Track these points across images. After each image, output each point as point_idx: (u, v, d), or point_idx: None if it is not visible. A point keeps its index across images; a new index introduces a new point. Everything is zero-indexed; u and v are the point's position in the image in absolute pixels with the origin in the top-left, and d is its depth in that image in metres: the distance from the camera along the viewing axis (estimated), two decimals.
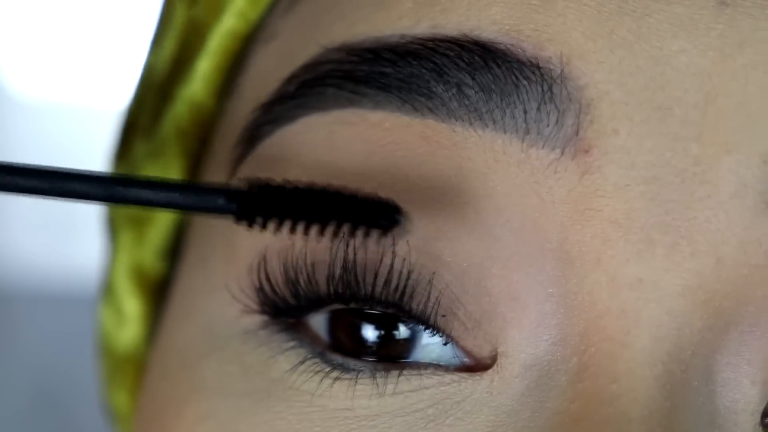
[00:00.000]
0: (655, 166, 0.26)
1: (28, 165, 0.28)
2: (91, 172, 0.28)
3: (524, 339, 0.26)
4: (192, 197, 0.27)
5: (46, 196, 0.28)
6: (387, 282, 0.27)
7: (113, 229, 0.38)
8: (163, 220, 0.35)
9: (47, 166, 0.28)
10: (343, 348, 0.28)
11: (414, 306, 0.27)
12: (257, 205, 0.27)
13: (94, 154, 1.80)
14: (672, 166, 0.25)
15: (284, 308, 0.28)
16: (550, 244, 0.26)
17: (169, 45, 0.33)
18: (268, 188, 0.27)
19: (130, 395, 0.39)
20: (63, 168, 0.28)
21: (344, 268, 0.28)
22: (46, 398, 1.58)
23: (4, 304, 1.59)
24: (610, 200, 0.26)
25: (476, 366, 0.27)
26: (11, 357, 1.59)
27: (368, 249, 0.27)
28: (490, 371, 0.27)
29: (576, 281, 0.26)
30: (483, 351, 0.27)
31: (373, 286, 0.27)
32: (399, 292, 0.27)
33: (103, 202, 0.28)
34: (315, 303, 0.28)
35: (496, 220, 0.26)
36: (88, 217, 1.71)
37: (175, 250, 0.35)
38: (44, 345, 1.60)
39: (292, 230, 0.27)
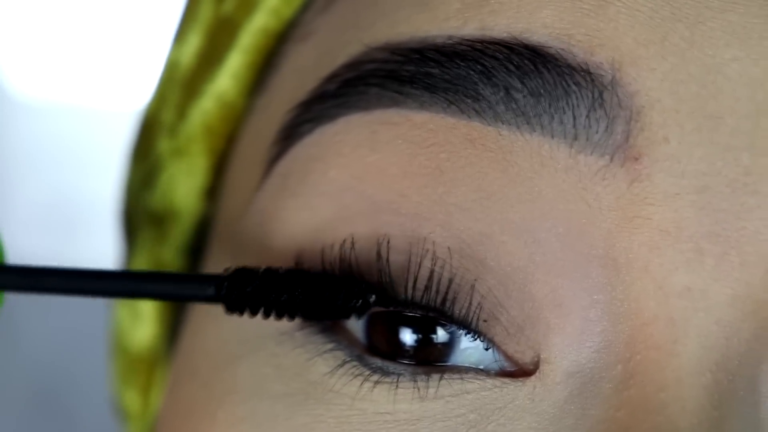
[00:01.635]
0: (705, 175, 0.25)
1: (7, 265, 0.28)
2: (71, 269, 0.28)
3: (567, 345, 0.26)
4: (177, 287, 0.28)
5: (20, 292, 0.28)
6: (428, 287, 0.27)
7: (131, 227, 0.37)
8: (186, 218, 0.35)
9: (21, 266, 0.28)
10: (379, 351, 0.28)
11: (456, 311, 0.27)
12: (240, 294, 0.27)
13: (95, 155, 1.80)
14: (723, 176, 0.25)
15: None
16: (596, 251, 0.26)
17: (195, 40, 0.33)
18: (248, 274, 0.27)
19: (142, 394, 0.39)
20: (38, 266, 0.28)
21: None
22: (47, 398, 1.58)
23: (4, 304, 1.59)
24: (659, 208, 0.26)
25: (517, 372, 0.27)
26: (11, 357, 1.59)
27: (411, 252, 0.27)
28: (532, 378, 0.26)
29: (622, 288, 0.26)
30: (525, 357, 0.27)
31: (414, 290, 0.27)
32: (441, 297, 0.27)
33: (85, 296, 0.28)
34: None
35: (541, 225, 0.26)
36: (88, 217, 1.71)
37: (196, 248, 0.35)
38: (44, 345, 1.60)
39: (272, 315, 0.28)
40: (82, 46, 1.68)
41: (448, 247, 0.27)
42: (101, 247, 1.41)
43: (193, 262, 0.35)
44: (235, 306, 0.28)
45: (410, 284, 0.27)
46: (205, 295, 0.27)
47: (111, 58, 1.67)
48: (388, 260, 0.27)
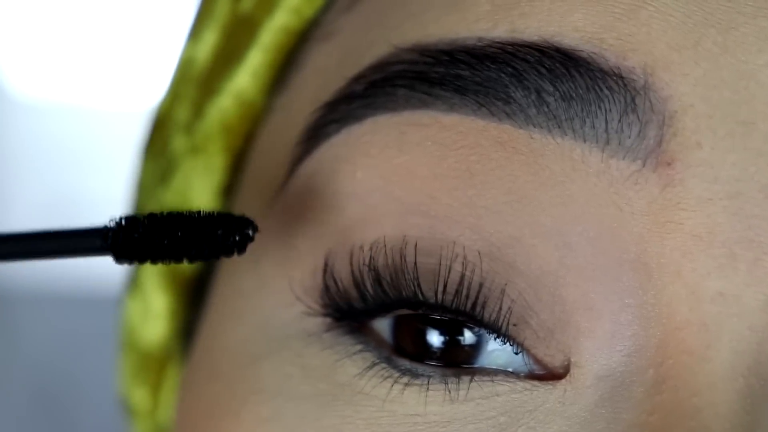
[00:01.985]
0: (738, 181, 0.25)
1: None
2: None
3: (598, 349, 0.26)
4: (68, 243, 0.28)
5: None
6: (458, 291, 0.27)
7: None
8: None
9: None
10: (406, 352, 0.28)
11: (486, 315, 0.27)
12: (129, 242, 0.27)
13: (95, 155, 1.80)
14: (755, 182, 0.25)
15: (349, 311, 0.28)
16: (628, 255, 0.26)
17: (211, 38, 0.33)
18: (132, 222, 0.27)
19: (152, 391, 0.38)
20: None
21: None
22: (47, 398, 1.58)
23: (4, 304, 1.59)
24: (692, 213, 0.26)
25: (547, 375, 0.27)
26: (12, 357, 1.59)
27: (441, 255, 0.27)
28: (562, 381, 0.26)
29: (654, 293, 0.26)
30: (555, 360, 0.27)
31: (444, 294, 0.27)
32: (471, 302, 0.27)
33: None
34: (382, 307, 0.28)
35: (572, 229, 0.26)
36: (88, 217, 1.71)
37: None
38: (44, 345, 1.59)
39: (162, 261, 0.27)
40: (83, 46, 1.68)
41: (478, 251, 0.27)
42: None
43: (209, 262, 0.35)
44: (123, 255, 0.27)
45: (440, 288, 0.27)
46: (93, 246, 0.27)
47: (111, 58, 1.67)
48: (416, 264, 0.27)
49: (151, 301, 0.37)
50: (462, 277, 0.27)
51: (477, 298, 0.27)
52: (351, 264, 0.28)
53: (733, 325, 0.25)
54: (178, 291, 0.36)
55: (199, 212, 0.27)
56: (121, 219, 0.27)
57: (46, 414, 1.57)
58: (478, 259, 0.27)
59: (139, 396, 0.39)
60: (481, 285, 0.27)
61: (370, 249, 0.28)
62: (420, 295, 0.27)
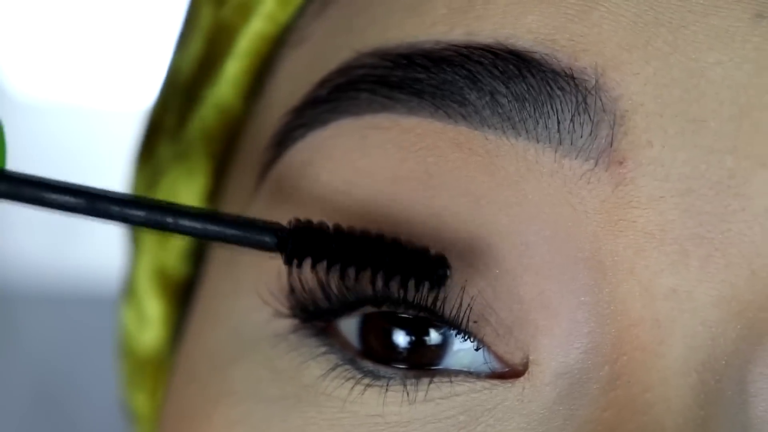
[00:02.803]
0: (689, 179, 0.26)
1: (83, 186, 0.28)
2: (140, 198, 0.28)
3: (555, 347, 0.27)
4: (238, 232, 0.27)
5: (87, 216, 0.27)
6: (418, 288, 0.27)
7: (135, 231, 0.38)
8: None
9: (93, 188, 0.27)
10: (373, 353, 0.28)
11: (447, 311, 0.27)
12: (302, 246, 0.27)
13: (95, 155, 1.80)
14: (706, 179, 0.26)
15: (315, 311, 0.28)
16: (583, 254, 0.26)
17: (195, 46, 0.34)
18: (314, 230, 0.27)
19: (150, 396, 0.39)
20: (109, 191, 0.27)
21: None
22: (46, 398, 1.58)
23: (4, 304, 1.59)
24: (644, 211, 0.26)
25: (507, 373, 0.27)
26: (11, 357, 1.59)
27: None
28: (521, 379, 0.27)
29: (609, 290, 0.26)
30: (514, 358, 0.27)
31: (405, 290, 0.27)
32: (432, 297, 0.27)
33: (147, 228, 0.28)
34: (347, 306, 0.28)
35: (528, 228, 0.27)
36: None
37: (199, 252, 0.35)
38: (44, 345, 1.60)
39: (336, 273, 0.27)
40: (83, 46, 1.68)
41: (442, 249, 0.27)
42: (101, 248, 1.41)
43: (197, 267, 0.35)
44: (295, 258, 0.27)
45: (400, 291, 0.27)
46: (264, 242, 0.27)
47: (111, 58, 1.68)
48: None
49: (145, 307, 0.37)
50: None
51: (437, 294, 0.27)
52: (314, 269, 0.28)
53: (685, 321, 0.26)
54: (170, 296, 0.36)
55: (394, 241, 0.27)
56: (300, 224, 0.28)
57: (46, 414, 1.57)
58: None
59: (139, 401, 0.39)
60: None
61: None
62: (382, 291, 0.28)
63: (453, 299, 0.27)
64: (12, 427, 1.58)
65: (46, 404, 1.58)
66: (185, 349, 0.32)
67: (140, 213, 0.27)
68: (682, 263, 0.26)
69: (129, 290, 0.38)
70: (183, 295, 0.36)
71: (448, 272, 0.27)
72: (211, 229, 0.27)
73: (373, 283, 0.27)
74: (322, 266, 0.27)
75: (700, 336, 0.26)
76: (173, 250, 0.36)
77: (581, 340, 0.26)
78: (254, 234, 0.27)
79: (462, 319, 0.27)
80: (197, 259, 0.35)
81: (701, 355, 0.26)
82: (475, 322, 0.27)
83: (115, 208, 0.27)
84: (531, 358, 0.27)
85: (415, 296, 0.27)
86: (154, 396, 0.39)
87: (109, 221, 0.27)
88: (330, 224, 0.28)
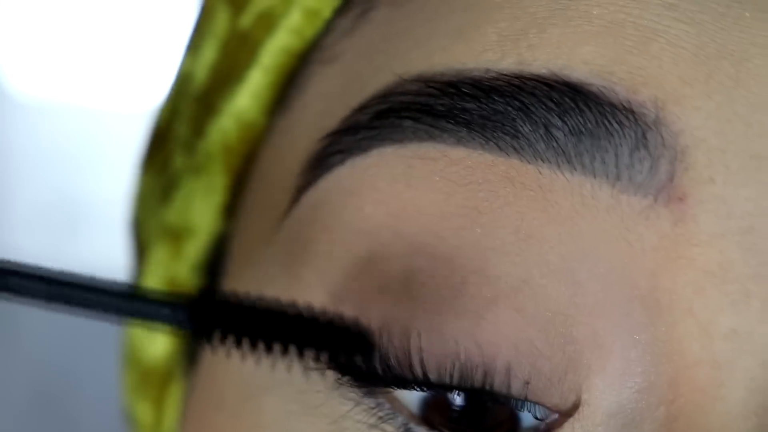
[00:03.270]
0: (752, 216, 0.25)
1: None
2: (43, 270, 0.26)
3: (608, 386, 0.26)
4: (148, 309, 0.26)
5: None
6: (461, 382, 0.26)
7: (144, 241, 0.37)
8: (203, 235, 0.34)
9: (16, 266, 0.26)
10: (429, 421, 0.27)
11: (496, 389, 0.26)
12: (209, 321, 0.26)
13: (94, 155, 1.80)
14: None
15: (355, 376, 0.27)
16: (639, 291, 0.25)
17: (210, 53, 0.33)
18: (230, 305, 0.26)
19: (154, 406, 0.38)
20: (11, 262, 0.26)
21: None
22: (47, 398, 1.58)
23: (4, 304, 1.59)
24: (704, 249, 0.25)
25: (559, 421, 0.26)
26: (11, 357, 1.59)
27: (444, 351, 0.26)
28: (570, 420, 0.26)
29: (665, 329, 0.25)
30: (568, 402, 0.26)
31: (450, 379, 0.26)
32: (479, 385, 0.26)
33: (50, 303, 0.26)
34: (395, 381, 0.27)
35: (581, 266, 0.26)
36: (88, 217, 1.71)
37: (213, 264, 0.34)
38: (44, 345, 1.59)
39: (252, 351, 0.26)
40: (83, 46, 1.68)
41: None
42: (101, 248, 1.40)
43: (210, 280, 0.34)
44: (205, 333, 0.26)
45: (442, 376, 0.26)
46: (174, 318, 0.26)
47: (111, 58, 1.67)
48: (421, 357, 0.26)
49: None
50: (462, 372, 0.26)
51: (483, 384, 0.26)
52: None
53: (746, 363, 0.25)
54: None
55: (310, 312, 0.26)
56: (209, 297, 0.27)
57: (46, 414, 1.57)
58: (477, 353, 0.26)
59: (142, 411, 0.38)
60: (485, 373, 0.26)
61: (379, 331, 0.27)
62: (419, 377, 0.26)
63: (499, 381, 0.26)
64: (12, 426, 1.57)
65: (46, 404, 1.58)
66: (208, 372, 0.31)
67: (42, 287, 0.26)
68: (743, 303, 0.25)
69: None
70: None
71: (371, 347, 0.26)
72: (122, 307, 0.26)
73: (283, 356, 0.26)
74: (231, 340, 0.26)
75: (761, 378, 0.25)
76: (186, 262, 0.35)
77: (635, 380, 0.26)
78: (164, 311, 0.26)
79: (515, 392, 0.26)
80: (211, 270, 0.34)
81: (761, 398, 0.25)
82: (528, 383, 0.26)
83: (17, 280, 0.26)
84: (583, 398, 0.26)
85: (460, 383, 0.26)
86: (158, 406, 0.38)
87: (9, 297, 0.26)
88: (243, 296, 0.26)
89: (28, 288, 0.26)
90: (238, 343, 0.26)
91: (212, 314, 0.26)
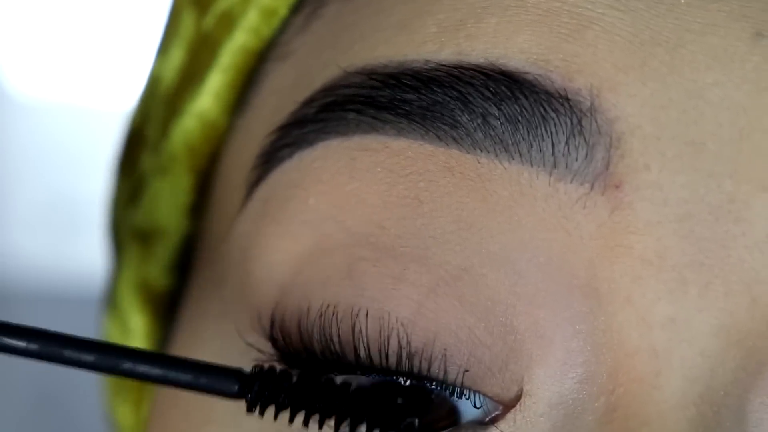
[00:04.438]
0: (688, 203, 0.25)
1: (37, 330, 0.26)
2: (96, 341, 0.27)
3: (549, 377, 0.26)
4: (200, 379, 0.26)
5: (42, 361, 0.26)
6: (398, 361, 0.26)
7: (117, 243, 0.37)
8: (171, 236, 0.34)
9: (49, 331, 0.26)
10: None
11: (434, 375, 0.26)
12: (265, 393, 0.26)
13: (94, 155, 1.80)
14: (706, 203, 0.25)
15: (301, 364, 0.27)
16: (578, 281, 0.25)
17: (177, 55, 0.33)
18: (277, 377, 0.27)
19: (134, 408, 0.38)
20: (64, 335, 0.26)
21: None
22: (47, 399, 1.58)
23: (4, 304, 1.59)
24: (641, 237, 0.25)
25: (501, 412, 0.26)
26: (12, 359, 1.59)
27: (380, 327, 0.26)
28: (512, 410, 0.26)
29: (604, 319, 0.25)
30: (510, 393, 0.26)
31: (387, 362, 0.26)
32: (417, 369, 0.26)
33: (105, 373, 0.27)
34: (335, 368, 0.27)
35: (521, 255, 0.26)
36: (88, 217, 1.71)
37: (182, 264, 0.34)
38: None
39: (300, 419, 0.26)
40: (82, 45, 1.68)
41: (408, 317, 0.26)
42: (101, 248, 1.41)
43: (181, 280, 0.34)
44: (257, 403, 0.27)
45: (383, 360, 0.26)
46: (227, 390, 0.27)
47: (111, 58, 1.67)
48: (367, 338, 0.27)
49: (128, 320, 0.36)
50: (399, 347, 0.26)
51: (420, 366, 0.26)
52: (299, 330, 0.27)
53: (684, 351, 0.25)
54: (154, 309, 0.36)
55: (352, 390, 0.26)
56: (261, 368, 0.27)
57: (45, 414, 1.57)
58: (410, 323, 0.26)
59: (122, 413, 0.39)
60: (420, 351, 0.26)
61: (320, 317, 0.27)
62: (369, 365, 0.27)
63: (437, 366, 0.26)
64: (12, 427, 1.57)
65: (46, 404, 1.58)
66: None
67: (92, 357, 0.26)
68: (681, 291, 0.25)
69: (111, 302, 0.37)
70: (167, 308, 0.35)
71: (416, 422, 0.26)
72: (170, 376, 0.26)
73: (336, 430, 0.26)
74: (286, 413, 0.26)
75: (699, 367, 0.25)
76: (157, 263, 0.35)
77: (576, 370, 0.25)
78: (216, 380, 0.26)
79: (454, 379, 0.26)
80: (181, 271, 0.34)
81: (700, 387, 0.25)
82: (467, 370, 0.26)
83: (69, 353, 0.26)
84: (525, 389, 0.26)
85: (396, 367, 0.26)
86: (138, 408, 0.38)
87: (62, 365, 0.26)
88: (294, 373, 0.27)
89: (73, 358, 0.26)
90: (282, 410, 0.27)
91: (263, 386, 0.27)
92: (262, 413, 0.26)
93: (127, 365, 0.26)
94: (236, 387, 0.26)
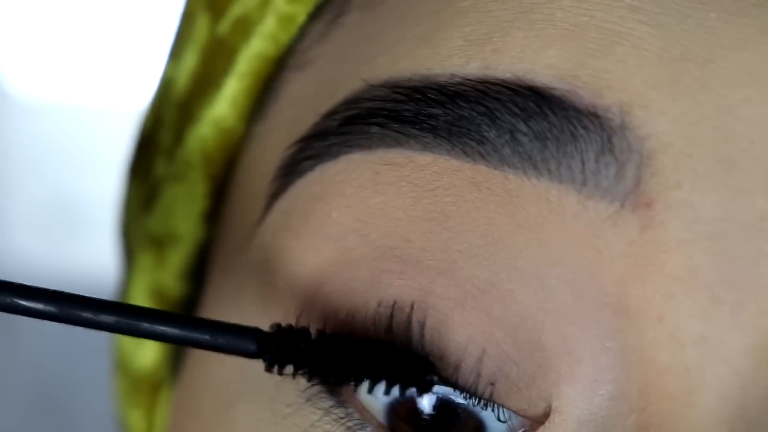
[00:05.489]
0: (720, 221, 0.25)
1: (55, 292, 0.26)
2: (114, 303, 0.26)
3: (578, 394, 0.25)
4: (217, 338, 0.26)
5: (62, 323, 0.26)
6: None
7: (130, 249, 0.37)
8: (185, 243, 0.34)
9: (64, 293, 0.26)
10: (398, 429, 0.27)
11: (461, 382, 0.26)
12: (284, 352, 0.26)
13: (94, 155, 1.80)
14: (737, 221, 0.24)
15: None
16: (608, 298, 0.25)
17: (191, 60, 0.33)
18: (296, 336, 0.26)
19: (146, 413, 0.38)
20: (81, 296, 0.26)
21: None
22: (46, 400, 1.58)
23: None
24: (673, 255, 0.25)
25: (530, 427, 0.26)
26: (11, 358, 1.59)
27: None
28: (541, 427, 0.26)
29: (635, 336, 0.25)
30: (537, 409, 0.26)
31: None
32: (450, 371, 0.26)
33: (124, 334, 0.27)
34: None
35: (550, 272, 0.25)
36: (88, 217, 1.71)
37: (198, 271, 0.34)
38: (44, 346, 1.59)
39: (319, 379, 0.26)
40: (82, 46, 1.68)
41: (452, 299, 0.26)
42: (101, 247, 1.40)
43: (195, 287, 0.34)
44: (278, 364, 0.27)
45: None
46: (246, 348, 0.26)
47: (111, 58, 1.67)
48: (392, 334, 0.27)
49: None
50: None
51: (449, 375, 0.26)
52: (323, 330, 0.27)
53: (716, 370, 0.25)
54: None
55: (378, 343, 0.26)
56: (279, 327, 0.27)
57: (45, 415, 1.57)
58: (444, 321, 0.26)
59: (135, 418, 0.38)
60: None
61: (345, 318, 0.27)
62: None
63: (469, 370, 0.26)
64: (11, 427, 1.57)
65: (45, 405, 1.58)
66: (187, 380, 0.31)
67: (113, 318, 0.26)
68: (713, 309, 0.24)
69: None
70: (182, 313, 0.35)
71: (435, 378, 0.26)
72: (189, 335, 0.26)
73: (355, 389, 0.26)
74: (304, 372, 0.26)
75: (732, 385, 0.24)
76: (171, 269, 0.35)
77: (606, 387, 0.25)
78: (234, 339, 0.26)
79: (479, 387, 0.26)
80: (195, 278, 0.34)
81: (732, 406, 0.24)
82: (492, 384, 0.26)
83: (87, 315, 0.26)
84: (553, 406, 0.25)
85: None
86: (151, 413, 0.38)
87: (81, 326, 0.26)
88: (313, 329, 0.27)
89: (92, 319, 0.26)
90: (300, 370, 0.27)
91: (282, 345, 0.26)
92: (280, 372, 0.26)
93: (146, 326, 0.26)
94: (254, 346, 0.26)
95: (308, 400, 0.27)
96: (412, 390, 0.26)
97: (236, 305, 0.30)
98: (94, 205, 1.64)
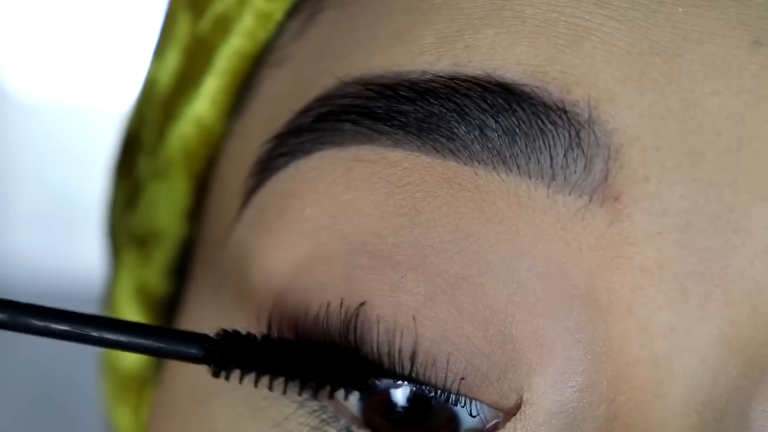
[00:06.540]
0: (687, 213, 0.25)
1: (5, 300, 0.27)
2: (63, 311, 0.27)
3: (549, 386, 0.26)
4: (164, 345, 0.27)
5: (8, 330, 0.27)
6: (400, 359, 0.26)
7: (115, 247, 0.37)
8: (168, 241, 0.34)
9: (17, 301, 0.27)
10: (373, 424, 0.27)
11: (432, 380, 0.26)
12: (229, 358, 0.27)
13: (94, 155, 1.80)
14: (705, 213, 0.25)
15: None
16: (578, 291, 0.25)
17: (173, 59, 0.33)
18: (242, 341, 0.27)
19: (133, 412, 0.38)
20: (31, 304, 0.27)
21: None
22: (46, 400, 1.58)
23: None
24: (641, 248, 0.25)
25: (501, 421, 0.26)
26: (11, 359, 1.59)
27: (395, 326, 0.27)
28: (512, 419, 0.26)
29: (604, 328, 0.25)
30: (509, 401, 0.26)
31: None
32: (412, 367, 0.26)
33: (71, 341, 0.27)
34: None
35: (520, 265, 0.26)
36: (88, 217, 1.71)
37: (181, 269, 0.34)
38: (44, 347, 1.59)
39: (264, 382, 0.27)
40: (82, 45, 1.68)
41: (422, 294, 0.26)
42: (100, 248, 1.41)
43: (179, 284, 0.34)
44: (223, 368, 0.27)
45: (390, 359, 0.27)
46: (191, 354, 0.27)
47: (111, 58, 1.67)
48: (356, 332, 0.27)
49: None
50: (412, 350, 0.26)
51: (417, 364, 0.26)
52: (296, 333, 0.27)
53: (685, 360, 0.25)
54: (152, 314, 0.36)
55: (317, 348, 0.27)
56: (226, 332, 0.27)
57: (45, 415, 1.57)
58: (412, 322, 0.26)
59: (122, 416, 0.39)
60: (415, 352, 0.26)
61: (316, 316, 0.27)
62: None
63: (440, 367, 0.26)
64: (11, 428, 1.57)
65: (45, 405, 1.58)
66: (167, 377, 0.31)
67: (63, 327, 0.26)
68: (681, 301, 0.25)
69: (110, 307, 0.37)
70: (165, 312, 0.35)
71: (376, 383, 0.26)
72: (136, 342, 0.26)
73: (300, 392, 0.27)
74: (251, 377, 0.27)
75: (701, 375, 0.25)
76: (155, 267, 0.35)
77: (576, 379, 0.26)
78: (180, 346, 0.27)
79: (449, 383, 0.26)
80: (179, 275, 0.34)
81: (702, 395, 0.25)
82: (463, 378, 0.26)
83: (37, 322, 0.26)
84: (524, 397, 0.26)
85: (394, 367, 0.26)
86: (137, 411, 0.38)
87: (31, 335, 0.27)
88: (258, 335, 0.27)
89: (42, 327, 0.27)
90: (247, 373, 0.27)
91: (228, 351, 0.27)
92: (227, 378, 0.27)
93: (95, 334, 0.26)
94: (200, 352, 0.27)
95: (283, 393, 0.27)
96: (357, 393, 0.26)
97: (216, 301, 0.30)
98: (94, 205, 1.64)
